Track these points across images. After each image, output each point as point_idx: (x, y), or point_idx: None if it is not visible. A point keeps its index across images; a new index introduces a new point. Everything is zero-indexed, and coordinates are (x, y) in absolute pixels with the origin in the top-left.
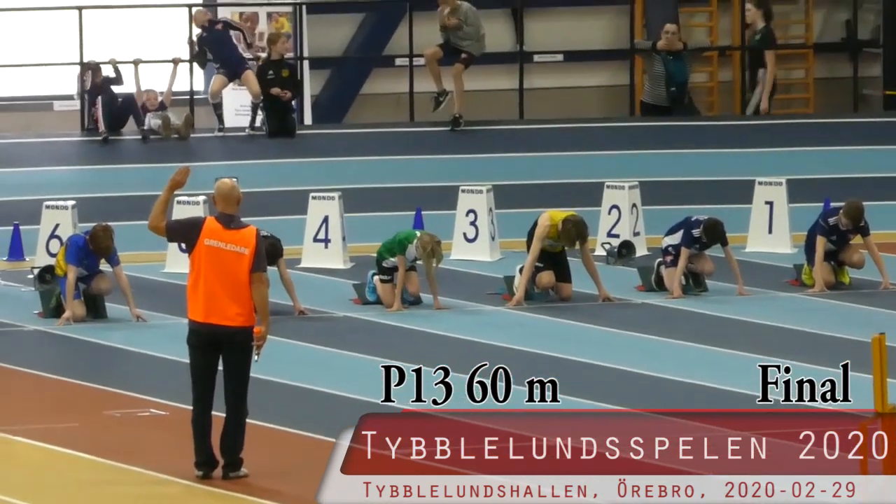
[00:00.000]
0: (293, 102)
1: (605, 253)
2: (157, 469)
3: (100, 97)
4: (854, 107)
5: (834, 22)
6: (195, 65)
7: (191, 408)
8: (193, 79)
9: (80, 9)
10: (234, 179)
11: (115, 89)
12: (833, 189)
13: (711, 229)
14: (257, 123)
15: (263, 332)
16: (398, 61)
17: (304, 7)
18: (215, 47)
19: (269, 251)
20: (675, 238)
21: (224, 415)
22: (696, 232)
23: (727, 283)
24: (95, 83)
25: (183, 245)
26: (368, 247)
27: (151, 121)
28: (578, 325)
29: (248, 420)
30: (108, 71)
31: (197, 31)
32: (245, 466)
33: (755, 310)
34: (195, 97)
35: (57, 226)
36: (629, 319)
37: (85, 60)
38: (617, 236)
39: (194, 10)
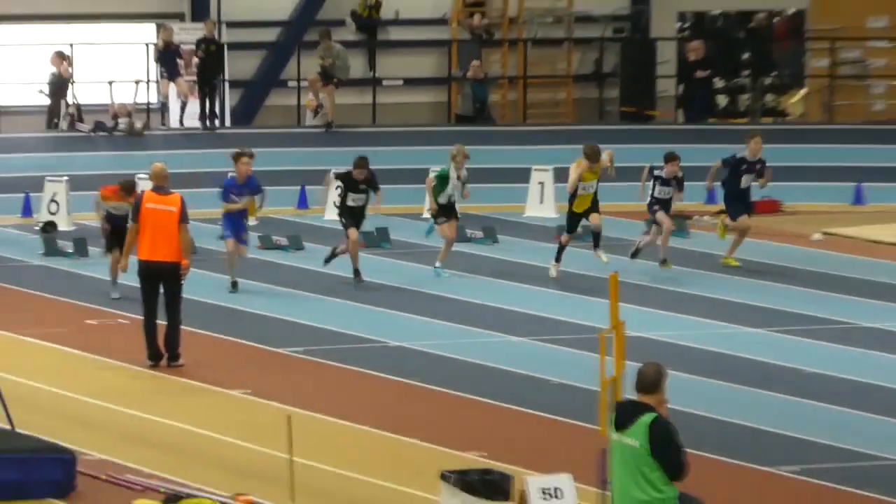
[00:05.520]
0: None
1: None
2: (122, 360)
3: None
4: (599, 117)
5: (587, 59)
6: (150, 83)
7: (143, 318)
8: (150, 93)
9: (71, 45)
10: (164, 163)
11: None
12: None
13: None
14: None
15: (188, 264)
16: (290, 83)
17: (225, 46)
18: (167, 59)
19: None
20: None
21: (166, 322)
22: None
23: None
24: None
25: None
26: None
27: (120, 124)
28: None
29: (182, 326)
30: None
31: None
32: (182, 359)
33: None
34: (150, 106)
35: (55, 194)
36: None
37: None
38: None
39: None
